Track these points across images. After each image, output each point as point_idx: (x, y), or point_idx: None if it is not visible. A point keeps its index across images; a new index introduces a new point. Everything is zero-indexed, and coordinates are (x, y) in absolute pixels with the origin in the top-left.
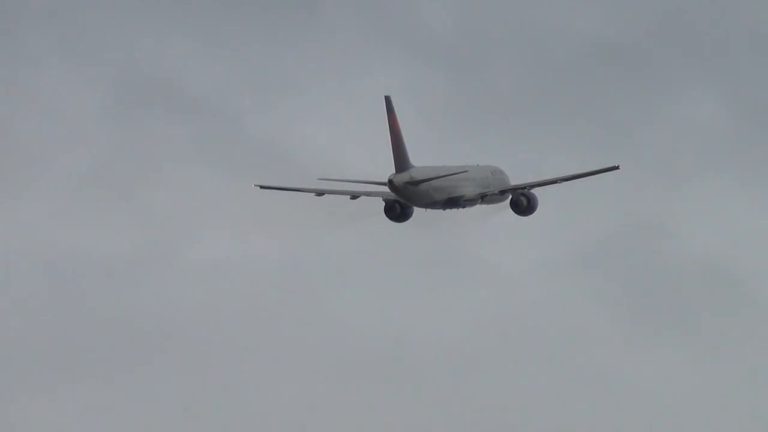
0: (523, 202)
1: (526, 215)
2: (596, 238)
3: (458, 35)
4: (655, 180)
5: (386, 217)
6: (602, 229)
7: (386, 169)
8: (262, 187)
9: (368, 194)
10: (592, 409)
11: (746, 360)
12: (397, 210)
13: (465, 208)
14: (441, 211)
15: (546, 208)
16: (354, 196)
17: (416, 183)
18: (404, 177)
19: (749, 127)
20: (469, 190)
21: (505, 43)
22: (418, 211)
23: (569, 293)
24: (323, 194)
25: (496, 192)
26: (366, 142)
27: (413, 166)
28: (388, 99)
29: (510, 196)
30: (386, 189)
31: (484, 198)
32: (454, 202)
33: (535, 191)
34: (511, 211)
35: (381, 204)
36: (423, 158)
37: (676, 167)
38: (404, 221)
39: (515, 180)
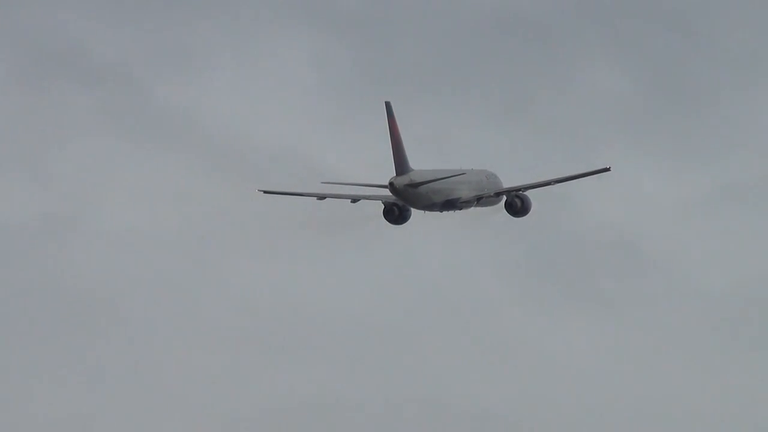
0: (517, 204)
1: (520, 216)
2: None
3: (364, 6)
4: (557, 149)
5: (385, 220)
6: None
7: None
8: (265, 192)
9: (368, 198)
10: (501, 376)
11: (647, 326)
12: (396, 213)
13: (462, 210)
14: (438, 213)
15: None
16: (354, 200)
17: (416, 185)
18: (404, 180)
19: (654, 98)
20: (465, 193)
21: (411, 13)
22: (415, 214)
23: (476, 264)
24: (324, 198)
25: (492, 194)
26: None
27: (413, 170)
28: (388, 104)
29: (504, 199)
30: (385, 192)
31: (479, 200)
32: (451, 204)
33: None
34: (506, 212)
35: (380, 207)
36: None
37: (579, 137)
38: (402, 224)
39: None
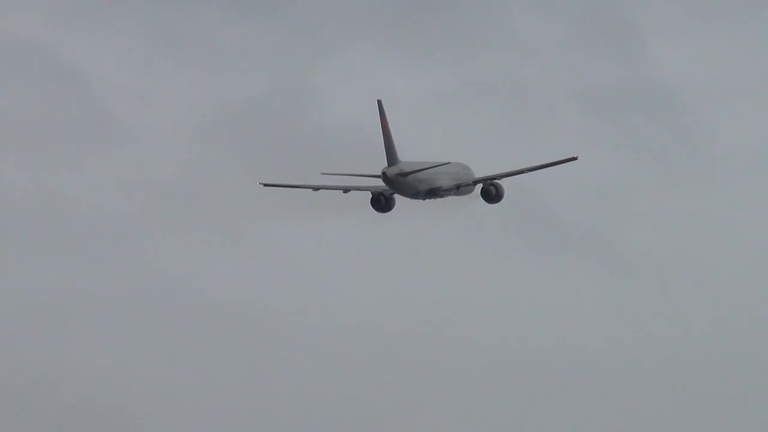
0: (492, 191)
1: (495, 203)
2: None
3: None
4: (305, 46)
5: (372, 208)
6: (252, 91)
7: None
8: (266, 185)
9: (358, 188)
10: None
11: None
12: (382, 202)
13: (442, 198)
14: (421, 200)
15: None
16: (346, 191)
17: (405, 175)
18: (395, 170)
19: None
20: (445, 182)
21: None
22: (399, 203)
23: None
24: (319, 189)
25: (470, 182)
26: None
27: (401, 161)
28: (379, 103)
29: (480, 187)
30: (376, 182)
31: (459, 189)
32: (434, 192)
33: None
34: (482, 199)
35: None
36: None
37: (323, 36)
38: (388, 212)
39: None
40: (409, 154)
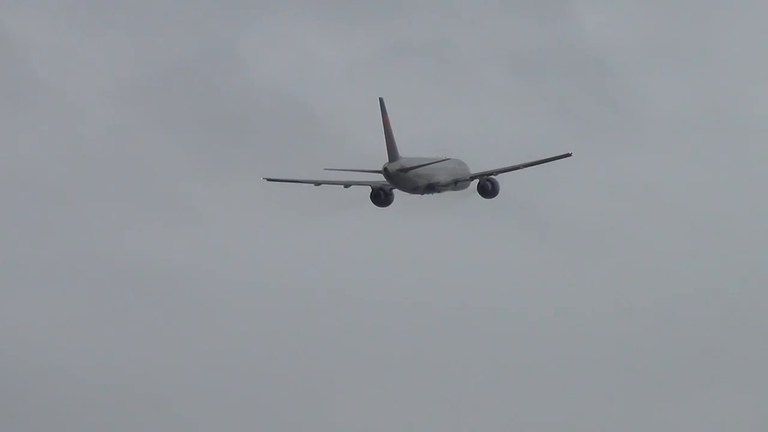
0: (488, 186)
1: (491, 198)
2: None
3: None
4: (229, 12)
5: (372, 203)
6: (176, 54)
7: None
8: (269, 180)
9: (359, 183)
10: None
11: None
12: (381, 196)
13: (440, 193)
14: (420, 195)
15: None
16: (347, 185)
17: (406, 170)
18: (396, 165)
19: None
20: (443, 178)
21: None
22: (398, 197)
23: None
24: (320, 184)
25: (468, 178)
26: None
27: (401, 157)
28: (381, 100)
29: (477, 182)
30: (377, 177)
31: (456, 184)
32: (432, 187)
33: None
34: (478, 194)
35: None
36: None
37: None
38: (387, 206)
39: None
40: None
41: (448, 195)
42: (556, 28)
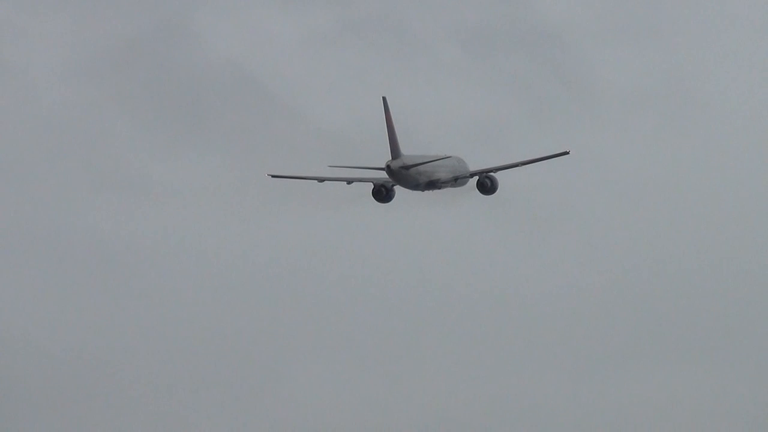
0: (487, 184)
1: (490, 194)
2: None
3: None
4: None
5: (373, 199)
6: (130, 29)
7: None
8: (273, 176)
9: (361, 180)
10: None
11: None
12: (383, 193)
13: (440, 189)
14: (420, 192)
15: None
16: (349, 182)
17: (408, 167)
18: (398, 163)
19: None
20: (443, 175)
21: None
22: (399, 194)
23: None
24: (324, 181)
25: (467, 175)
26: None
27: (404, 154)
28: (384, 99)
29: (476, 179)
30: (380, 174)
31: (456, 180)
32: (432, 184)
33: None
34: (477, 191)
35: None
36: None
37: None
38: (388, 202)
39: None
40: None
41: (447, 191)
42: (510, 4)
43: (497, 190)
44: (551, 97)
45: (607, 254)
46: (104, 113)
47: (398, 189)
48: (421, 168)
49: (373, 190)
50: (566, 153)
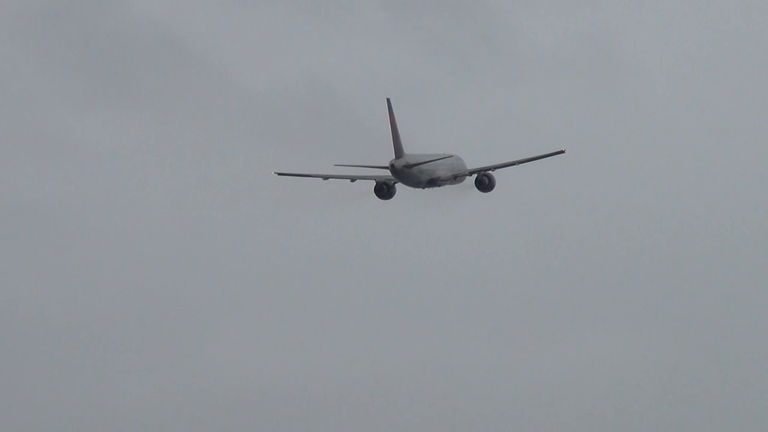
0: (485, 181)
1: (487, 191)
2: None
3: None
4: None
5: (376, 196)
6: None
7: None
8: (279, 174)
9: (364, 177)
10: None
11: None
12: (385, 190)
13: (440, 187)
14: (421, 189)
15: None
16: (353, 180)
17: (410, 166)
18: (402, 162)
19: None
20: (443, 173)
21: None
22: (400, 191)
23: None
24: (328, 178)
25: (466, 173)
26: None
27: (406, 154)
28: (388, 101)
29: (474, 177)
30: (382, 172)
31: (455, 178)
32: (433, 182)
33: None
34: (476, 189)
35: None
36: None
37: None
38: (389, 199)
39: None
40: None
41: (447, 188)
42: None
43: (495, 188)
44: (476, 58)
45: (528, 211)
46: (27, 72)
47: (399, 186)
48: (423, 167)
49: (375, 187)
50: (562, 152)
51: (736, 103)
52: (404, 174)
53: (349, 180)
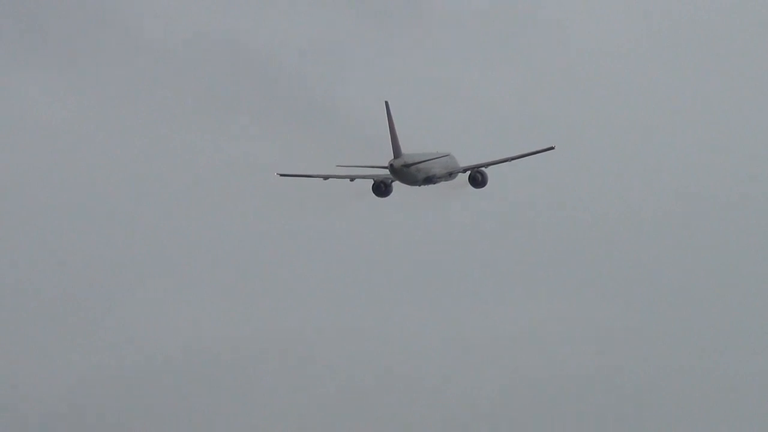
0: (478, 178)
1: (481, 188)
2: None
3: None
4: None
5: (373, 194)
6: None
7: None
8: (282, 175)
9: (364, 177)
10: None
11: None
12: (382, 188)
13: (436, 184)
14: (418, 187)
15: None
16: (352, 179)
17: (408, 165)
18: (400, 161)
19: None
20: (438, 171)
21: None
22: (397, 189)
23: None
24: (328, 178)
25: (461, 171)
26: None
27: (404, 154)
28: (387, 104)
29: (468, 174)
30: (381, 171)
31: (450, 175)
32: (429, 180)
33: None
34: (469, 185)
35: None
36: None
37: None
38: (386, 197)
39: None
40: None
41: (441, 186)
42: None
43: (487, 184)
44: (391, 15)
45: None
46: None
47: (396, 185)
48: (420, 165)
49: (373, 185)
50: (551, 148)
51: (660, 65)
52: (403, 173)
53: (348, 179)
